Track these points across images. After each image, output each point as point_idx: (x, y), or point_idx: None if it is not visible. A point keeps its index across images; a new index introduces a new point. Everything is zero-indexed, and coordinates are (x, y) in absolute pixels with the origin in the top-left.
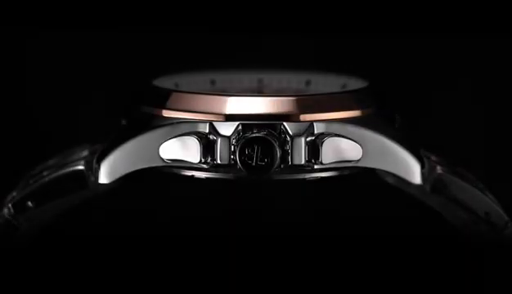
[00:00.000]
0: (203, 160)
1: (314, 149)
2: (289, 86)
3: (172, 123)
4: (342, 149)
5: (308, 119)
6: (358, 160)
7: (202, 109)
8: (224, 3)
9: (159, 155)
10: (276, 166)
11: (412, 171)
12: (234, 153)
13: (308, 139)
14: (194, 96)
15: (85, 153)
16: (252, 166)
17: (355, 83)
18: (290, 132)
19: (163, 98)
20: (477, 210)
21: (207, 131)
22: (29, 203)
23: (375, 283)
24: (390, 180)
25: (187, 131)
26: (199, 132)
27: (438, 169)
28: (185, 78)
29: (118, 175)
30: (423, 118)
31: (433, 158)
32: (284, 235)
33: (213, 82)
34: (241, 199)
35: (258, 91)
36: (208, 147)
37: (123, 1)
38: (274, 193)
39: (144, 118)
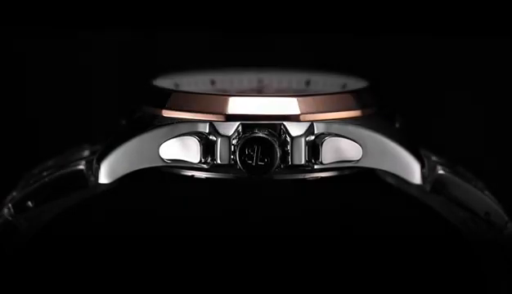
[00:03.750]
0: (203, 160)
1: (314, 149)
2: (289, 86)
3: (172, 123)
4: (342, 149)
5: (308, 119)
6: (358, 160)
7: (202, 109)
8: (224, 3)
9: (159, 155)
10: (276, 166)
11: (412, 171)
12: (234, 153)
13: (308, 139)
14: (194, 96)
15: (85, 153)
16: (252, 166)
17: (355, 83)
18: (290, 132)
19: (163, 98)
20: (477, 210)
21: (207, 131)
22: (29, 203)
23: (375, 283)
24: (390, 180)
25: (187, 131)
26: (199, 132)
27: (438, 169)
28: (185, 78)
29: (118, 175)
30: (423, 117)
31: (433, 158)
32: (284, 235)
33: (213, 82)
34: (241, 199)
35: (258, 91)
36: (208, 147)
37: (123, 1)
38: (274, 193)
39: (144, 117)
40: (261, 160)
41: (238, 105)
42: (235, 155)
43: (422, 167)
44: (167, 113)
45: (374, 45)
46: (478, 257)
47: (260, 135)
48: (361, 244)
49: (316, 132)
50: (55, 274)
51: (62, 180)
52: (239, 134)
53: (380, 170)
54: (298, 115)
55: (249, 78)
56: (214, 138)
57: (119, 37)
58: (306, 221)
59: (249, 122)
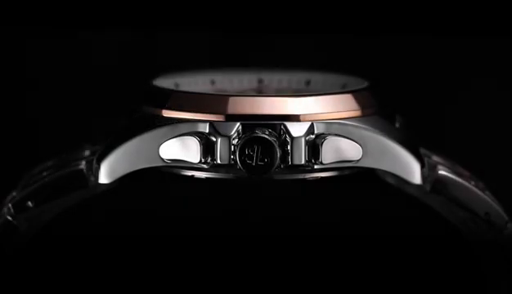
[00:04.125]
0: (203, 160)
1: (314, 149)
2: (289, 86)
3: (172, 123)
4: (342, 149)
5: (308, 119)
6: (358, 160)
7: (202, 109)
8: (224, 3)
9: (159, 155)
10: (276, 166)
11: (412, 171)
12: (234, 153)
13: (308, 139)
14: (194, 96)
15: (85, 153)
16: (252, 166)
17: (355, 83)
18: (290, 132)
19: (163, 98)
20: (477, 210)
21: (207, 131)
22: (29, 203)
23: (375, 283)
24: (390, 180)
25: (187, 131)
26: (199, 132)
27: (438, 169)
28: (185, 78)
29: (118, 175)
30: (423, 118)
31: (433, 157)
32: (284, 235)
33: (213, 82)
34: (241, 199)
35: (258, 91)
36: (208, 147)
37: (123, 1)
38: (274, 193)
39: (144, 118)
40: (261, 160)
41: (238, 105)
42: (235, 155)
43: (422, 166)
44: (167, 113)
45: (374, 45)
46: (478, 257)
47: (260, 135)
48: (361, 244)
49: (316, 132)
50: (55, 274)
51: (62, 180)
52: (239, 134)
53: (380, 170)
54: (298, 115)
55: (249, 78)
56: (214, 138)
57: (119, 37)
58: (306, 221)
59: (249, 122)
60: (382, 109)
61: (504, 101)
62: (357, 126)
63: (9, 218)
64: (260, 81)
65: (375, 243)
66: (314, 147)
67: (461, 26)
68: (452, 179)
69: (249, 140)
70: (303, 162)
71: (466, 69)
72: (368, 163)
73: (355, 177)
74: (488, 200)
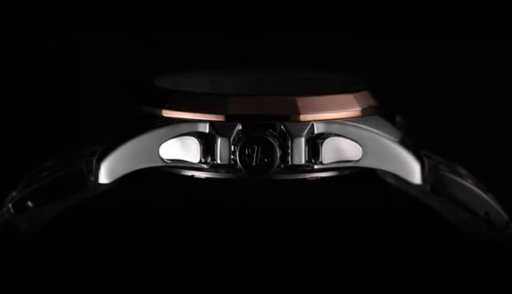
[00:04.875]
0: (203, 160)
1: (314, 149)
2: (289, 86)
3: (172, 123)
4: (342, 149)
5: (308, 119)
6: (358, 160)
7: (202, 109)
8: (224, 3)
9: (159, 155)
10: (276, 166)
11: (412, 171)
12: (234, 153)
13: (308, 139)
14: (194, 96)
15: (85, 153)
16: (252, 166)
17: (355, 83)
18: (290, 132)
19: (163, 98)
20: (477, 210)
21: (207, 131)
22: (29, 203)
23: (376, 283)
24: (390, 180)
25: (187, 131)
26: (199, 132)
27: (438, 169)
28: (185, 78)
29: (118, 175)
30: (423, 118)
31: (433, 157)
32: (283, 235)
33: (213, 82)
34: (241, 199)
35: (258, 91)
36: (208, 147)
37: (123, 1)
38: (274, 193)
39: (144, 117)
40: (261, 160)
41: (238, 105)
42: (235, 155)
43: (422, 167)
44: (167, 113)
45: (374, 45)
46: (478, 257)
47: (260, 135)
48: (361, 244)
49: (316, 132)
50: (55, 274)
51: (62, 180)
52: (239, 134)
53: (380, 170)
54: (299, 115)
55: (248, 78)
56: (214, 138)
57: (119, 38)
58: (306, 221)
59: (249, 122)
60: (382, 109)
61: (504, 101)
62: (357, 127)
63: (9, 218)
64: (260, 81)
65: (375, 243)
66: (314, 147)
67: (461, 26)
68: (452, 179)
69: (249, 140)
70: (303, 162)
71: (466, 69)
72: (368, 163)
73: (355, 177)
74: (488, 200)
